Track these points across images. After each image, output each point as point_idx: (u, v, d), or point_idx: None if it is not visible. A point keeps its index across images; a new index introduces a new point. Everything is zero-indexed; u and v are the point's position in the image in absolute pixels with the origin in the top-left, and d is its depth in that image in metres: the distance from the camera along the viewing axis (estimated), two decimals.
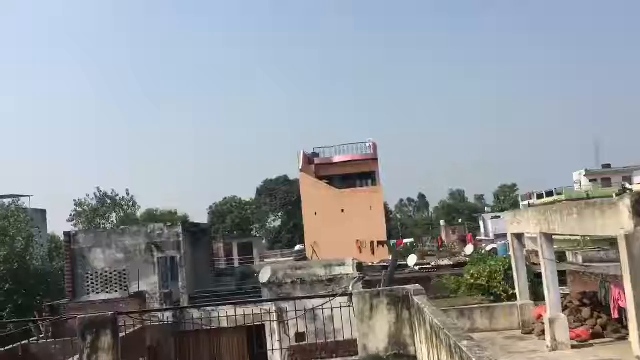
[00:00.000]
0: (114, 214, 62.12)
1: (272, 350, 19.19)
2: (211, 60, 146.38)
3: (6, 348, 18.41)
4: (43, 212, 52.74)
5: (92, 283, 23.73)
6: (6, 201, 46.47)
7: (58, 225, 76.01)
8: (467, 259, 37.32)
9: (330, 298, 7.21)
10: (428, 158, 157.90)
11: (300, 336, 22.28)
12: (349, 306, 6.95)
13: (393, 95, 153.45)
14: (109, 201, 62.79)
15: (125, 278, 23.72)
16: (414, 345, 6.76)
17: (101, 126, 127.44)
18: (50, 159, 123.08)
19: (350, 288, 6.35)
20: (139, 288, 22.97)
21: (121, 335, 7.43)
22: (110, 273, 23.84)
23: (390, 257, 40.30)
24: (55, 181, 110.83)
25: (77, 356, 7.13)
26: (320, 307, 6.81)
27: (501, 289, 24.31)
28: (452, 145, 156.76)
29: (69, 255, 23.88)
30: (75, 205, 64.62)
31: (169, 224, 25.39)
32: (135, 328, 21.10)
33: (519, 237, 15.04)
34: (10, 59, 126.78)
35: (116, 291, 23.52)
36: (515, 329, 15.22)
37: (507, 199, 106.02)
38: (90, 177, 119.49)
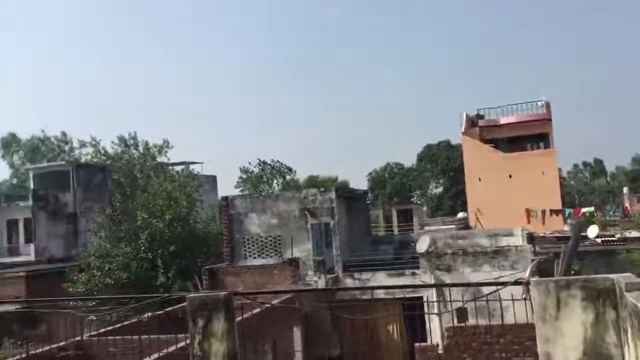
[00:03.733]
0: (275, 181, 63.94)
1: (430, 328, 17.51)
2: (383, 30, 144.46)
3: (166, 310, 18.82)
4: (214, 177, 55.66)
5: (249, 248, 23.74)
6: (179, 168, 49.65)
7: (229, 190, 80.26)
8: None
9: (500, 287, 5.35)
10: (605, 118, 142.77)
11: (461, 313, 20.37)
12: (525, 299, 5.05)
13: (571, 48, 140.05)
14: (269, 169, 64.78)
15: (279, 244, 23.39)
16: (622, 358, 4.70)
17: (265, 96, 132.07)
18: (225, 127, 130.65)
19: (527, 274, 4.50)
20: (292, 254, 22.48)
21: (241, 317, 6.18)
22: (265, 238, 23.64)
23: (570, 227, 36.31)
24: (225, 149, 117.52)
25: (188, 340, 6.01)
26: (485, 298, 4.98)
27: None
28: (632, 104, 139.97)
29: (226, 220, 24.09)
30: (241, 172, 67.70)
31: (322, 189, 24.54)
32: (289, 296, 20.67)
33: None
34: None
35: (271, 257, 23.30)
36: None
37: None
38: (256, 146, 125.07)
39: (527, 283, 5.05)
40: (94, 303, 17.47)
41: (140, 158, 48.67)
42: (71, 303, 17.89)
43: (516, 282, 5.19)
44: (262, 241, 23.65)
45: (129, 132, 51.23)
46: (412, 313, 19.33)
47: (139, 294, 22.63)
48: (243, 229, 23.98)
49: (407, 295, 21.55)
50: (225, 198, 24.84)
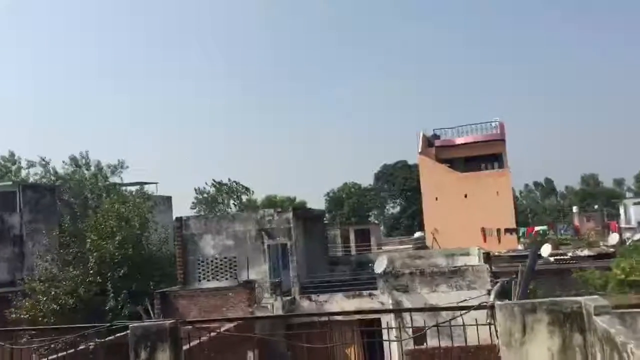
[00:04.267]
0: (231, 201, 63.22)
1: (389, 350, 17.25)
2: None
3: (110, 338, 17.95)
4: (169, 198, 54.47)
5: (203, 270, 23.06)
6: (133, 188, 48.39)
7: (184, 212, 78.85)
8: (612, 249, 33.03)
9: (463, 311, 5.07)
10: (556, 139, 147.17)
11: (420, 335, 20.16)
12: (490, 324, 4.80)
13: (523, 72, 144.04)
14: (225, 189, 64.06)
15: (235, 265, 22.81)
16: None
17: (232, 125, 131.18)
18: (178, 149, 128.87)
19: (491, 297, 4.22)
20: (248, 276, 21.94)
21: (188, 346, 5.75)
22: (220, 260, 23.02)
23: (528, 247, 36.73)
24: (179, 171, 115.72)
25: None
26: (447, 324, 4.71)
27: None
28: (582, 124, 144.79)
29: (180, 241, 23.38)
30: (196, 193, 66.71)
31: (279, 209, 24.13)
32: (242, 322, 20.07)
33: None
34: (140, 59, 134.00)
35: (226, 279, 22.68)
36: None
37: None
38: (211, 167, 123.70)
39: (492, 307, 4.79)
40: (34, 332, 16.50)
41: (91, 178, 47.25)
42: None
43: (480, 307, 4.94)
44: (217, 263, 23.02)
45: (81, 152, 49.79)
46: (371, 337, 19.03)
47: (86, 320, 21.66)
48: (197, 251, 23.31)
49: (366, 317, 21.28)
50: (179, 219, 24.14)
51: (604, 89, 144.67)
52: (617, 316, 4.51)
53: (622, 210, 70.16)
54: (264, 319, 13.72)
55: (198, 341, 5.75)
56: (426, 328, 5.16)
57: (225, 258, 22.99)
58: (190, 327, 5.81)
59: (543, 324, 4.63)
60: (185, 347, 5.67)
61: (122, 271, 23.69)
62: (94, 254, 24.12)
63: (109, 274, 23.60)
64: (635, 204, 69.36)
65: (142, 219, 27.15)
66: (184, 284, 22.79)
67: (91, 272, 23.69)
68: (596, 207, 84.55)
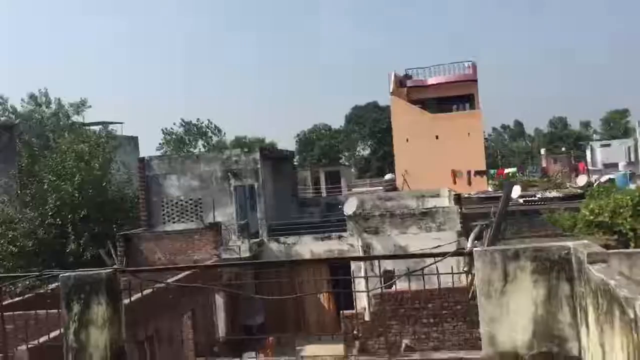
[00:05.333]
0: (200, 142, 61.89)
1: (356, 292, 16.97)
2: None
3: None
4: (135, 139, 53.01)
5: (168, 212, 22.37)
6: (97, 128, 46.77)
7: (151, 152, 77.31)
8: (580, 190, 33.25)
9: (438, 258, 4.53)
10: (529, 80, 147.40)
11: (389, 276, 19.98)
12: (467, 272, 4.27)
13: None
14: (194, 129, 62.56)
15: (201, 207, 22.16)
16: (578, 341, 4.01)
17: (191, 55, 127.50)
18: (145, 89, 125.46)
19: (469, 243, 3.80)
20: (214, 218, 21.33)
21: (141, 294, 5.16)
22: (185, 202, 22.34)
23: (493, 188, 36.73)
24: (149, 111, 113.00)
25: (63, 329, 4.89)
26: (420, 272, 4.18)
27: (628, 226, 20.64)
28: (555, 66, 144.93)
29: (143, 182, 22.56)
30: (163, 133, 65.08)
31: (246, 150, 23.35)
32: (210, 262, 19.61)
33: None
34: None
35: (192, 221, 22.05)
36: None
37: (616, 126, 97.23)
38: (179, 107, 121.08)
39: (469, 253, 4.24)
40: None
41: (52, 117, 45.44)
42: None
43: (457, 253, 4.38)
44: (181, 204, 22.34)
45: (39, 89, 47.63)
46: (339, 281, 18.76)
47: (47, 263, 20.97)
48: (161, 192, 22.55)
49: (335, 260, 20.99)
50: (141, 159, 23.25)
51: (571, 32, 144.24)
52: (616, 260, 4.00)
53: (588, 153, 71.06)
54: (214, 267, 12.94)
55: (140, 295, 5.13)
56: (397, 276, 4.60)
57: (190, 199, 22.31)
58: (134, 277, 5.17)
59: (526, 272, 4.10)
60: (141, 294, 5.04)
61: (82, 213, 22.82)
62: (53, 196, 23.14)
63: (69, 216, 22.71)
64: (602, 146, 70.24)
65: (104, 159, 26.10)
66: (148, 226, 22.13)
67: (50, 214, 22.77)
68: (563, 149, 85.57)
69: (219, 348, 17.67)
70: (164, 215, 22.35)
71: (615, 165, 59.93)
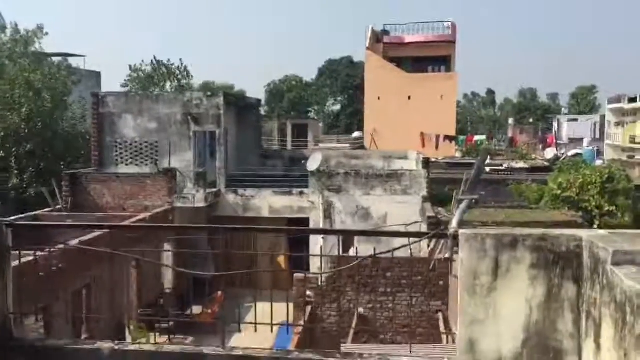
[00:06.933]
0: (168, 83, 59.52)
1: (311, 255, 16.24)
2: None
3: (21, 216, 16.07)
4: (98, 74, 50.51)
5: (121, 153, 21.05)
6: (56, 59, 44.17)
7: (114, 89, 74.50)
8: (547, 163, 32.97)
9: (416, 239, 3.62)
10: (504, 48, 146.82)
11: (347, 238, 19.22)
12: (449, 259, 3.37)
13: None
14: (163, 69, 59.97)
15: (156, 151, 20.89)
16: (578, 356, 3.18)
17: None
18: (116, 24, 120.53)
19: (454, 222, 2.97)
20: (170, 164, 20.12)
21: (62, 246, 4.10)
22: (141, 144, 21.02)
23: (461, 155, 36.15)
24: (116, 47, 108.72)
25: None
26: (389, 253, 3.25)
27: (594, 203, 20.32)
28: (529, 38, 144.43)
29: (96, 120, 21.10)
30: (130, 70, 62.32)
31: (209, 93, 22.01)
32: (161, 210, 18.55)
33: None
34: None
35: (146, 165, 20.80)
36: None
37: (584, 102, 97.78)
38: (151, 47, 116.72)
39: (454, 236, 3.32)
40: None
41: (8, 43, 42.62)
42: None
43: (438, 235, 3.46)
44: (136, 147, 21.02)
45: None
46: (297, 240, 17.96)
47: None
48: (116, 132, 21.17)
49: (294, 216, 20.16)
50: (96, 95, 21.73)
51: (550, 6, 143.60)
52: None
53: (555, 126, 71.37)
54: (126, 229, 11.49)
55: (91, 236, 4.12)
56: (367, 256, 3.65)
57: (146, 142, 21.00)
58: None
59: (523, 266, 3.22)
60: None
61: (28, 147, 21.29)
62: None
63: (13, 149, 21.17)
64: (569, 120, 70.54)
65: (57, 92, 24.37)
66: (99, 166, 20.81)
67: None
68: (531, 120, 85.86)
69: (165, 300, 16.79)
70: (116, 156, 21.04)
71: (580, 141, 60.31)
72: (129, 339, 14.88)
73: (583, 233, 3.20)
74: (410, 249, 4.30)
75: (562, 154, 39.22)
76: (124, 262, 14.75)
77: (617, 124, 55.52)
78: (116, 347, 3.61)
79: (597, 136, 63.75)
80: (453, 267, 3.66)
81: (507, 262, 3.21)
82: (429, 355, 5.17)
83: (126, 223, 15.52)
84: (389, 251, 3.50)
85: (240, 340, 3.33)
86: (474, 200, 4.53)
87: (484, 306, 3.25)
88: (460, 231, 3.28)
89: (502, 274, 3.22)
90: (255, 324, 3.60)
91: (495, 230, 3.34)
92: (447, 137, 35.77)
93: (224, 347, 3.57)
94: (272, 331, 3.67)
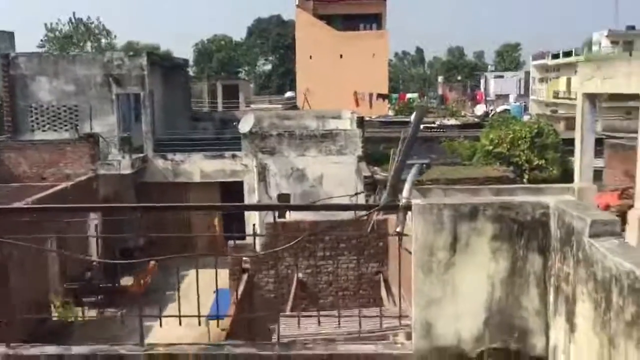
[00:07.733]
0: (88, 44, 56.39)
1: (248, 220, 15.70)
2: None
3: None
4: (10, 34, 47.08)
5: (37, 119, 19.62)
6: None
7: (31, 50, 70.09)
8: (477, 120, 33.48)
9: (362, 212, 3.20)
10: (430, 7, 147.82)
11: (283, 198, 18.85)
12: (399, 234, 2.96)
13: None
14: (83, 28, 56.71)
15: (76, 116, 19.59)
16: (546, 337, 2.85)
17: None
18: None
19: (405, 192, 2.61)
20: (91, 129, 18.92)
21: None
22: (59, 108, 19.64)
23: (394, 113, 36.16)
24: (31, 4, 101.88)
25: None
26: (337, 230, 3.10)
27: (524, 158, 20.71)
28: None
29: (7, 82, 19.52)
30: (46, 30, 58.58)
31: (131, 53, 20.73)
32: (84, 178, 17.48)
33: (592, 98, 10.87)
34: None
35: (66, 130, 19.50)
36: None
37: (509, 59, 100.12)
38: (70, 4, 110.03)
39: (407, 207, 2.90)
40: None
41: None
42: None
43: (390, 206, 3.03)
44: (54, 111, 19.64)
45: None
46: (231, 201, 17.34)
47: None
48: (30, 96, 19.68)
49: (227, 180, 19.51)
50: (5, 55, 20.02)
51: None
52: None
53: (482, 83, 72.75)
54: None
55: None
56: (307, 233, 3.17)
57: (64, 106, 19.64)
58: None
59: (484, 238, 2.85)
60: None
61: None
62: None
63: None
64: (495, 77, 72.06)
65: None
66: (13, 133, 19.34)
67: None
68: (459, 78, 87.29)
69: (92, 273, 15.91)
70: (32, 122, 19.61)
71: (506, 97, 61.83)
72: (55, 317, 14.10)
73: (550, 199, 2.85)
74: (356, 215, 3.88)
75: (491, 110, 39.98)
76: (41, 238, 13.77)
77: (541, 80, 56.98)
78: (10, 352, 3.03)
79: (522, 92, 65.36)
80: (403, 241, 3.27)
81: (467, 234, 2.83)
82: (376, 336, 4.84)
83: (46, 193, 14.55)
84: (333, 227, 3.05)
85: (174, 309, 2.87)
86: (424, 165, 4.14)
87: (442, 284, 2.87)
88: (413, 202, 2.86)
89: (461, 248, 2.84)
90: (180, 316, 3.10)
91: (452, 200, 2.95)
92: (380, 96, 35.66)
93: (142, 344, 3.05)
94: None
